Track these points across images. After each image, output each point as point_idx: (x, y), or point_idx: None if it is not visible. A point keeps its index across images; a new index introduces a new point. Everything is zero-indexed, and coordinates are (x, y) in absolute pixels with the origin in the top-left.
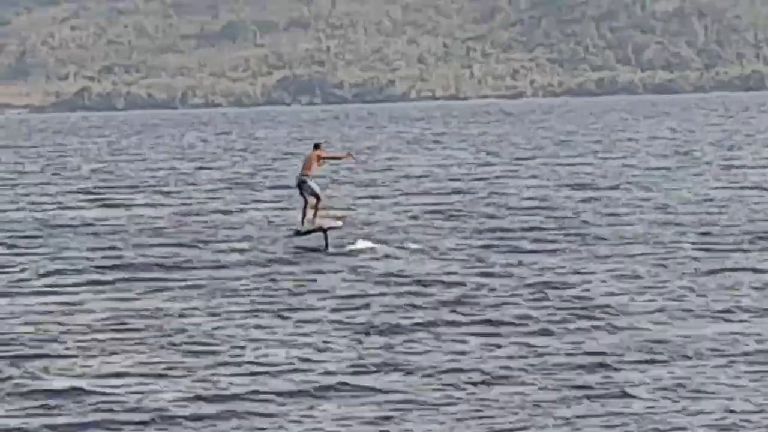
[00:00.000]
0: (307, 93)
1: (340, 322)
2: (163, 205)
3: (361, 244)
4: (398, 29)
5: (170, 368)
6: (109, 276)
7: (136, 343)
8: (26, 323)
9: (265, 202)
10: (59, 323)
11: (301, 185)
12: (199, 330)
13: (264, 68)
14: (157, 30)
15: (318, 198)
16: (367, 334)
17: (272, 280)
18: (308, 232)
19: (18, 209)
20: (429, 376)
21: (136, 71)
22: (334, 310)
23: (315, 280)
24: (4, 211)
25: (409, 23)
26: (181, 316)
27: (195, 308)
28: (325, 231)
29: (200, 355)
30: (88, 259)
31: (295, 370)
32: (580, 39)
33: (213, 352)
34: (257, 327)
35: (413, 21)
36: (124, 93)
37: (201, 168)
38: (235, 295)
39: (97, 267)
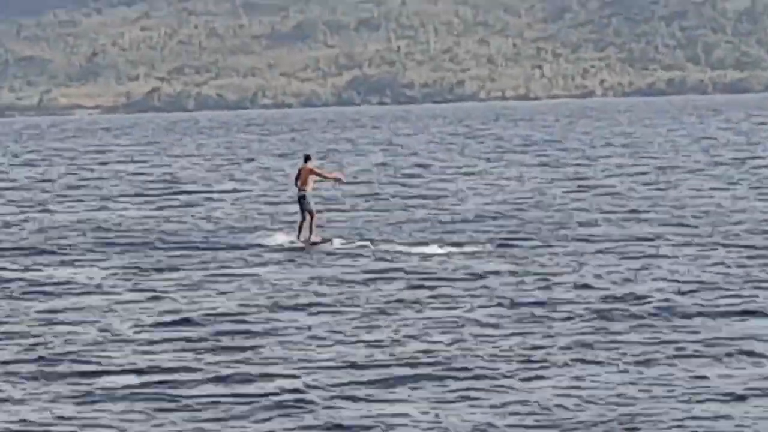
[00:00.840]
0: (377, 93)
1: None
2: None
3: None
4: (468, 29)
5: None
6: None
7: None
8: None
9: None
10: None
11: (301, 200)
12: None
13: (334, 68)
14: (228, 31)
15: (312, 215)
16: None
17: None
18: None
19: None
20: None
21: (207, 72)
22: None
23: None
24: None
25: (479, 23)
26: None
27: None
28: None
29: (238, 351)
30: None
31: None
32: (650, 38)
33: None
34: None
35: (483, 21)
36: (194, 94)
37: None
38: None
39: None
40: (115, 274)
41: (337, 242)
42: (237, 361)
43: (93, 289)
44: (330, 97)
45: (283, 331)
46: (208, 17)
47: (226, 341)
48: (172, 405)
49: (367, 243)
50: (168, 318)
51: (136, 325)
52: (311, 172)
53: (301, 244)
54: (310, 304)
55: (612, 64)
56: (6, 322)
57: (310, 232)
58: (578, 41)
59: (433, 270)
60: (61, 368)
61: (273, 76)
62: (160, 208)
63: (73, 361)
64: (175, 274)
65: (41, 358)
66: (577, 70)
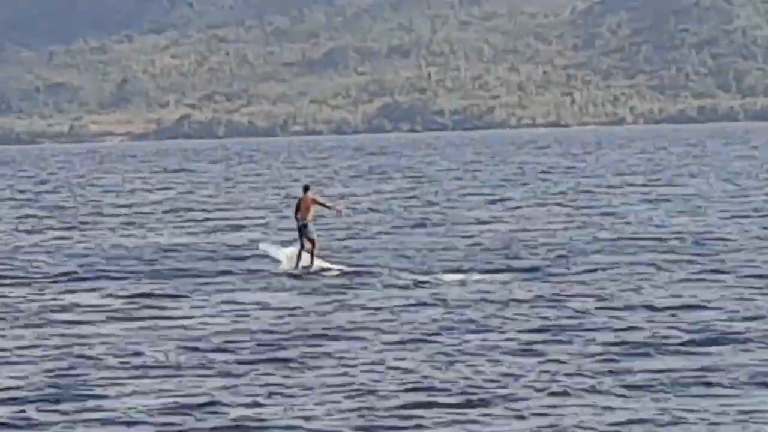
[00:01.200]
0: (407, 120)
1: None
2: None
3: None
4: (498, 56)
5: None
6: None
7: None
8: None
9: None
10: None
11: (302, 229)
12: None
13: (365, 96)
14: (258, 58)
15: (314, 243)
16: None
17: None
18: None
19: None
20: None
21: (237, 99)
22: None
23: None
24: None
25: (510, 50)
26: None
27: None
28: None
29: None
30: None
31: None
32: (681, 66)
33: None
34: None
35: (513, 48)
36: (224, 121)
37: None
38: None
39: None
40: (131, 299)
41: (335, 271)
42: (267, 385)
43: (114, 314)
44: (360, 124)
45: (311, 357)
46: (239, 44)
47: (250, 368)
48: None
49: (371, 270)
50: (192, 344)
51: (158, 351)
52: (313, 201)
53: (298, 272)
54: (333, 331)
55: (642, 92)
56: (28, 347)
57: (312, 260)
58: (609, 68)
59: (460, 297)
60: (82, 393)
61: (303, 103)
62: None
63: (96, 386)
64: (199, 300)
65: (62, 384)
66: (608, 98)
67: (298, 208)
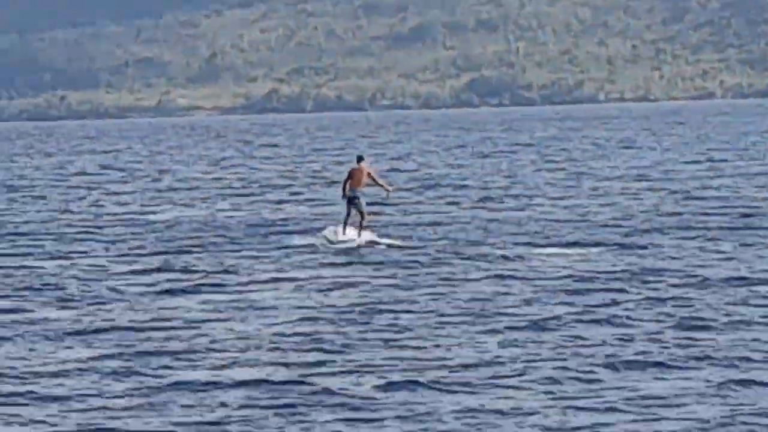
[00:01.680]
0: (495, 95)
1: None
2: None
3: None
4: (587, 31)
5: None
6: None
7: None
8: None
9: None
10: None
11: (354, 200)
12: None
13: (452, 70)
14: (346, 32)
15: (363, 216)
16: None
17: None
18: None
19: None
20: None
21: (325, 73)
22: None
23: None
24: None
25: (598, 25)
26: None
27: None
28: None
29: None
30: None
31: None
32: None
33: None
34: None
35: (602, 22)
36: (312, 95)
37: None
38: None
39: None
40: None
41: (384, 243)
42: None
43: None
44: (448, 98)
45: (380, 331)
46: (327, 18)
47: (314, 346)
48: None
49: (416, 244)
50: (264, 320)
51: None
52: (367, 174)
53: (343, 240)
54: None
55: (732, 66)
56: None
57: (359, 233)
58: (698, 42)
59: (521, 271)
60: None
61: (391, 77)
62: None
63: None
64: (261, 275)
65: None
66: (697, 72)
67: (350, 177)
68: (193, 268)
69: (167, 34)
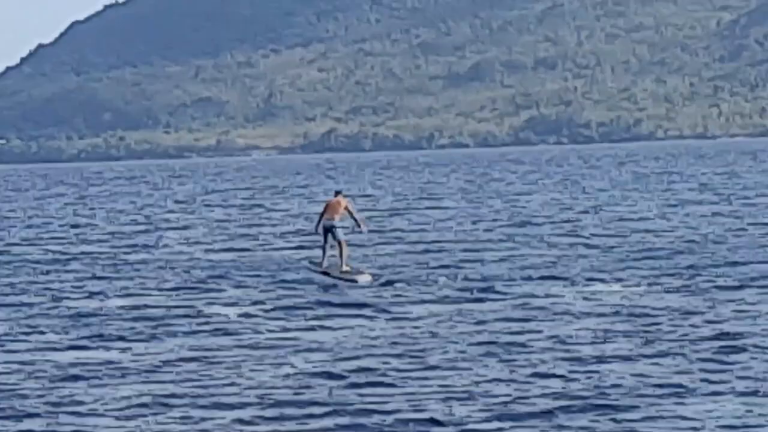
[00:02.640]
0: (554, 133)
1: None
2: None
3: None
4: (645, 68)
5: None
6: None
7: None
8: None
9: None
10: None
11: (331, 230)
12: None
13: (511, 108)
14: (404, 71)
15: (342, 245)
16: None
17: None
18: (334, 276)
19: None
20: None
21: (384, 112)
22: None
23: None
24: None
25: (656, 62)
26: None
27: None
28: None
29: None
30: None
31: None
32: None
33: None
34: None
35: (660, 60)
36: (371, 134)
37: None
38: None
39: None
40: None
41: (367, 276)
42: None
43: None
44: (506, 136)
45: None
46: (385, 58)
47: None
48: None
49: (399, 281)
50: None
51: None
52: (345, 207)
53: (322, 270)
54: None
55: None
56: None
57: (341, 262)
58: (756, 80)
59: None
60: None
61: (450, 116)
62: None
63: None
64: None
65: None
66: (755, 109)
67: (326, 209)
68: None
69: (225, 74)
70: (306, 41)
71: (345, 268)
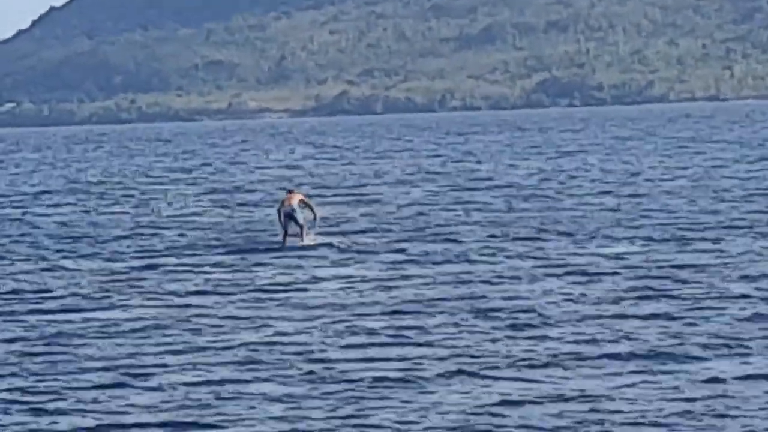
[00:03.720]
0: (566, 95)
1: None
2: None
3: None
4: (657, 30)
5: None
6: None
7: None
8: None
9: None
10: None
11: (290, 214)
12: None
13: (523, 71)
14: (416, 33)
15: (302, 227)
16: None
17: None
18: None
19: None
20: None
21: (395, 75)
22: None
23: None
24: None
25: (668, 24)
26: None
27: None
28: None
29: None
30: None
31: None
32: None
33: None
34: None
35: (672, 22)
36: (382, 97)
37: None
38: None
39: None
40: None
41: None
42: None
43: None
44: (518, 99)
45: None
46: (397, 20)
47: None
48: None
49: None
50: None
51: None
52: (299, 198)
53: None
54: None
55: None
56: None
57: (302, 237)
58: None
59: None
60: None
61: (461, 78)
62: None
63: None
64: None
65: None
66: (767, 71)
67: (283, 202)
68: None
69: (237, 37)
70: (318, 3)
71: (306, 242)
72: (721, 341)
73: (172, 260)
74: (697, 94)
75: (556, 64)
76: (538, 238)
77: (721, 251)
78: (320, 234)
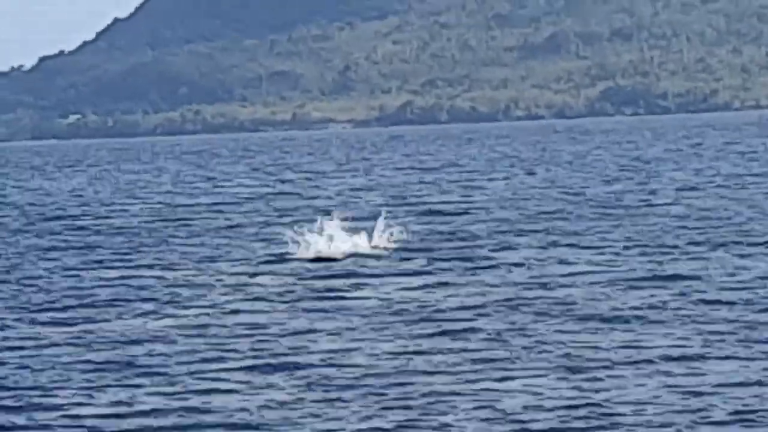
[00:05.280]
0: (630, 104)
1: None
2: None
3: None
4: (721, 38)
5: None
6: None
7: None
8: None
9: None
10: None
11: None
12: None
13: (587, 80)
14: (480, 43)
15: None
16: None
17: None
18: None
19: None
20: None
21: (459, 84)
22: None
23: None
24: None
25: (733, 32)
26: None
27: None
28: None
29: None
30: None
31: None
32: None
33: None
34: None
35: (736, 30)
36: (447, 106)
37: None
38: None
39: None
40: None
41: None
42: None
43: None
44: (582, 108)
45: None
46: (461, 30)
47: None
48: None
49: None
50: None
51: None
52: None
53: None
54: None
55: None
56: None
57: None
58: None
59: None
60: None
61: (525, 87)
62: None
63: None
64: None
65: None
66: None
67: None
68: None
69: (301, 48)
70: (381, 14)
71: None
72: None
73: None
74: (762, 102)
75: (620, 72)
76: None
77: None
78: None
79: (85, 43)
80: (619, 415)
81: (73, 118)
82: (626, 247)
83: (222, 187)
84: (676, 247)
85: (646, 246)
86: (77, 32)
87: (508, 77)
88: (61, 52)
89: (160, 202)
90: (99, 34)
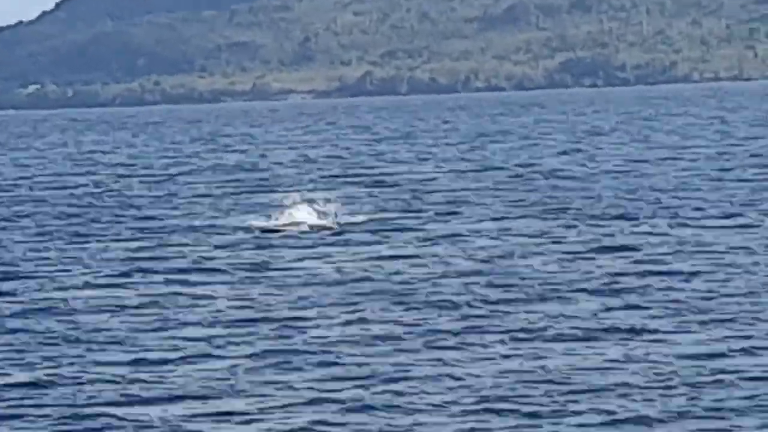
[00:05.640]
0: (589, 75)
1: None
2: None
3: None
4: (681, 10)
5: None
6: None
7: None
8: None
9: None
10: None
11: None
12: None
13: (546, 51)
14: (440, 14)
15: None
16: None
17: None
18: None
19: None
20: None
21: (419, 56)
22: None
23: None
24: None
25: (692, 4)
26: None
27: None
28: None
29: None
30: None
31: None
32: None
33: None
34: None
35: (696, 2)
36: (406, 77)
37: None
38: None
39: None
40: None
41: None
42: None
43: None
44: (542, 80)
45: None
46: (420, 1)
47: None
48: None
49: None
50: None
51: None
52: None
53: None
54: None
55: None
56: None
57: None
58: None
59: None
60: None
61: (485, 59)
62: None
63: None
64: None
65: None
66: None
67: None
68: None
69: (261, 18)
70: None
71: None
72: None
73: None
74: (721, 74)
75: (580, 44)
76: None
77: None
78: None
79: (44, 13)
80: (575, 383)
81: (32, 88)
82: (578, 218)
83: (175, 158)
84: (632, 218)
85: (600, 217)
86: (36, 2)
87: (467, 48)
88: (20, 22)
89: (114, 174)
90: (58, 4)
